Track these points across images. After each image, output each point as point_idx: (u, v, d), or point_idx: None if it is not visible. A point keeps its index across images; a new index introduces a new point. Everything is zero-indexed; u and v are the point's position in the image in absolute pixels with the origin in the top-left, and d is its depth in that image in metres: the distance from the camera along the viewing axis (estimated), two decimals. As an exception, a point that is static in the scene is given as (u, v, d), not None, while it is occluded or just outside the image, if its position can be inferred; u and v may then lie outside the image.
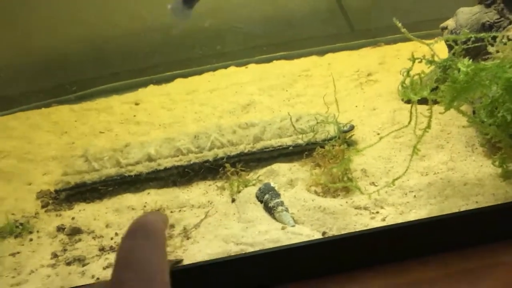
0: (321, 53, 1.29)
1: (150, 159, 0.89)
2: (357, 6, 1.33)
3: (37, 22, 1.24)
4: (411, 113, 0.70)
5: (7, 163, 0.98)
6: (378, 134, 0.91)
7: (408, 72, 0.69)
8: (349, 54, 1.27)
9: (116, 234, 0.79)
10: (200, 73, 1.28)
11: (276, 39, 1.32)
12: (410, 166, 0.73)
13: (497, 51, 0.69)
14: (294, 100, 1.09)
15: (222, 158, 0.87)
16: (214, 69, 1.28)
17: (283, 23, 1.33)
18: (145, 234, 0.40)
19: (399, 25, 0.67)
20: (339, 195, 0.79)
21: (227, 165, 0.85)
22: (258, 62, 1.29)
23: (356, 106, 1.01)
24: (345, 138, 0.87)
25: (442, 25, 0.88)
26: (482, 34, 0.70)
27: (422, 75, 0.70)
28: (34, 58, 1.25)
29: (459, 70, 0.66)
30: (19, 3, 1.19)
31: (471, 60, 0.68)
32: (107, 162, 0.90)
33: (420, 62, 0.68)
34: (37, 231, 0.82)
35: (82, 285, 0.67)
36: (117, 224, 0.81)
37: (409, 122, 0.70)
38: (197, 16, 1.29)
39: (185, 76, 1.28)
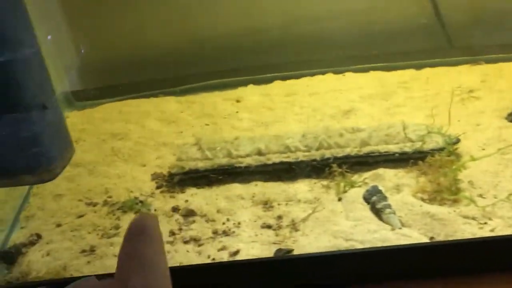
0: (418, 67, 1.31)
1: (260, 153, 0.94)
2: (458, 21, 1.34)
3: (152, 18, 1.33)
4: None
5: (125, 144, 1.07)
6: (483, 149, 0.92)
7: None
8: (448, 70, 1.28)
9: (228, 219, 0.84)
10: (298, 77, 1.32)
11: (374, 50, 1.35)
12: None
13: None
14: (394, 110, 1.11)
15: (328, 159, 0.91)
16: (312, 75, 1.32)
17: (380, 35, 1.35)
18: (147, 237, 0.39)
19: None
20: (446, 203, 0.81)
21: (333, 165, 0.89)
22: (355, 71, 1.32)
23: (459, 121, 1.03)
24: (452, 150, 0.88)
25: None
26: None
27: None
28: (145, 52, 1.34)
29: None
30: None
31: None
32: (219, 152, 0.95)
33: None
34: (155, 210, 0.88)
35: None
36: (227, 210, 0.86)
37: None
38: (297, 22, 1.36)
39: (283, 79, 1.33)
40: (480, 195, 0.82)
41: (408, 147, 0.91)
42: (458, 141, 0.91)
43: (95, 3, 1.32)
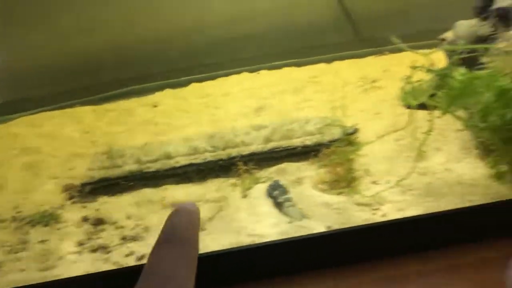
0: (329, 60, 1.36)
1: (168, 157, 0.96)
2: (364, 14, 1.40)
3: (64, 28, 1.32)
4: (409, 117, 0.76)
5: (35, 158, 1.06)
6: (383, 136, 0.97)
7: (408, 79, 0.76)
8: (355, 62, 1.33)
9: (137, 225, 0.86)
10: (214, 78, 1.35)
11: (286, 47, 1.39)
12: (408, 166, 0.80)
13: (490, 62, 0.76)
14: (303, 104, 1.15)
15: (235, 157, 0.94)
16: (227, 75, 1.35)
17: (292, 32, 1.40)
18: (176, 241, 0.39)
19: (396, 40, 0.74)
20: (343, 192, 0.85)
21: (239, 163, 0.92)
22: (270, 68, 1.36)
23: (362, 111, 1.08)
24: (350, 140, 0.93)
25: (441, 36, 0.94)
26: (476, 46, 0.77)
27: (422, 82, 0.76)
28: (59, 62, 1.33)
29: (455, 78, 0.72)
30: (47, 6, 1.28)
31: (466, 70, 0.74)
32: (128, 159, 0.97)
33: (420, 70, 0.74)
34: (64, 221, 0.89)
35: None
36: (137, 216, 0.88)
37: (406, 126, 0.77)
38: (213, 24, 1.38)
39: (200, 81, 1.35)
40: (374, 182, 0.86)
41: (309, 140, 0.94)
42: (355, 131, 0.96)
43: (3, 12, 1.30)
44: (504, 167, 0.80)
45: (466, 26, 0.91)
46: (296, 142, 0.95)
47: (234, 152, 0.95)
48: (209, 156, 0.95)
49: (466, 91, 0.72)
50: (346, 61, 1.34)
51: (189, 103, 1.25)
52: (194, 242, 0.41)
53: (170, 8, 1.35)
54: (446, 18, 1.00)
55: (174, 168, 0.95)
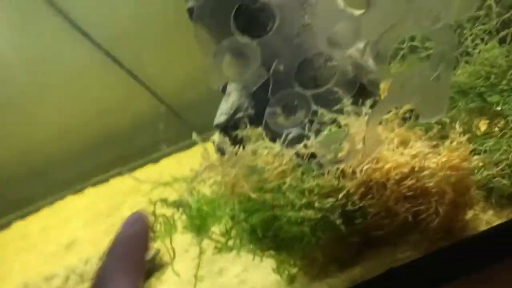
0: (156, 159, 1.31)
1: None
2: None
3: None
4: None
5: None
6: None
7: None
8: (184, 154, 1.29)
9: None
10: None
11: (108, 156, 1.32)
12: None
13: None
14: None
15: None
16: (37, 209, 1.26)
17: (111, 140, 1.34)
18: (120, 255, 0.40)
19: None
20: None
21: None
22: (95, 184, 1.28)
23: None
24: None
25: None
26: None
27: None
28: None
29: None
30: None
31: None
32: None
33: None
34: None
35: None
36: None
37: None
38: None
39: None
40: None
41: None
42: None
43: None
44: (293, 269, 0.75)
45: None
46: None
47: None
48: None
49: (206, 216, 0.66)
50: (174, 156, 1.29)
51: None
52: (137, 255, 0.41)
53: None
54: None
55: None
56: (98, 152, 1.32)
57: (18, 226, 1.22)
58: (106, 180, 1.28)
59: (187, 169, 1.04)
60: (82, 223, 1.11)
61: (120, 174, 1.20)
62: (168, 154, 1.31)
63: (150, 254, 0.89)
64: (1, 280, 1.03)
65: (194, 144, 1.25)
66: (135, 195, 1.17)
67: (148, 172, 1.26)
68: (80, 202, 1.22)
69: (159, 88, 1.33)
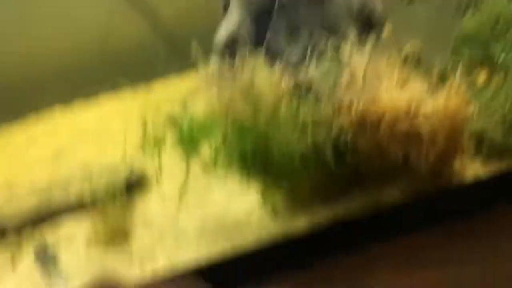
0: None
1: None
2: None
3: None
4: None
5: None
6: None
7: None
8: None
9: None
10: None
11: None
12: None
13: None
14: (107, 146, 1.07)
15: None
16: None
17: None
18: None
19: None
20: (117, 248, 0.79)
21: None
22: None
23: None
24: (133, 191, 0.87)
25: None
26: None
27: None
28: None
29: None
30: None
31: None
32: None
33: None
34: None
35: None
36: None
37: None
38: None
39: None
40: (150, 234, 0.80)
41: (88, 195, 0.87)
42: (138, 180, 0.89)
43: None
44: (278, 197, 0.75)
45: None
46: (75, 198, 0.87)
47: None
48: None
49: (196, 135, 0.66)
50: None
51: None
52: None
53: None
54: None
55: None
56: (92, 71, 1.31)
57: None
58: (97, 99, 1.27)
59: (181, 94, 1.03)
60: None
61: (113, 92, 1.19)
62: (164, 79, 1.30)
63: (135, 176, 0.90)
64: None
65: (190, 70, 1.24)
66: (126, 117, 1.16)
67: (141, 95, 1.25)
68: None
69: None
